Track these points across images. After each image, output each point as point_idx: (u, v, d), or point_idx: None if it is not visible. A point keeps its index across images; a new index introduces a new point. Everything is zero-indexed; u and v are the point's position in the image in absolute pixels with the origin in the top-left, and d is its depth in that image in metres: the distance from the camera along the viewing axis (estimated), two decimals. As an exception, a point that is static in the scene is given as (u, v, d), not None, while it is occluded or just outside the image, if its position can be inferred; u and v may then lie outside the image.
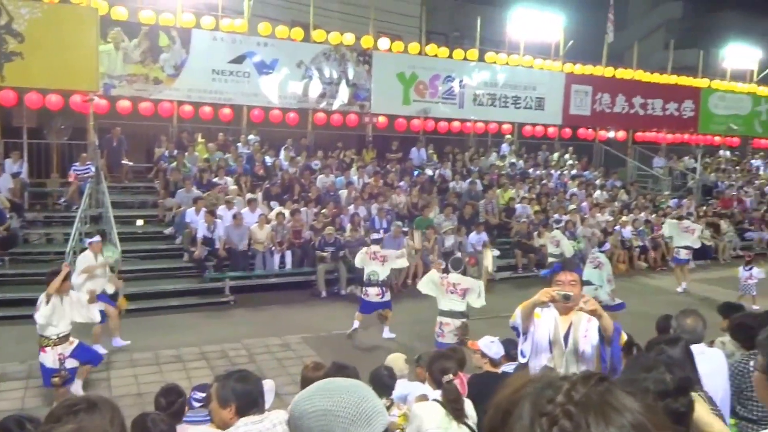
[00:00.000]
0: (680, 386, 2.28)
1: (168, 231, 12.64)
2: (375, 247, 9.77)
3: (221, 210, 12.29)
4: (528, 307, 3.87)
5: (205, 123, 15.52)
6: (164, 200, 13.06)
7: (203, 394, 4.09)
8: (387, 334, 9.56)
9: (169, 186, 13.29)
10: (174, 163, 13.65)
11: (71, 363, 6.80)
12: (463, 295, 7.95)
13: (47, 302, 6.66)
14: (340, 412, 1.40)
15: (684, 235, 13.74)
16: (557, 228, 13.85)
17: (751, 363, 3.31)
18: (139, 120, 14.55)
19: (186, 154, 14.17)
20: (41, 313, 6.62)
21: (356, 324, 9.30)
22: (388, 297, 9.52)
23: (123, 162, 14.15)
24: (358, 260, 9.76)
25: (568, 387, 0.89)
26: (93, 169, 12.67)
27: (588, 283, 9.59)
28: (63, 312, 6.78)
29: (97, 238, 8.90)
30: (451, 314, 7.90)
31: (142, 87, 14.30)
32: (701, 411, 2.48)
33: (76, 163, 12.88)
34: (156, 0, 14.68)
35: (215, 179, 13.61)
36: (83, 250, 8.99)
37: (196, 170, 13.79)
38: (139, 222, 12.96)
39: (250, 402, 2.83)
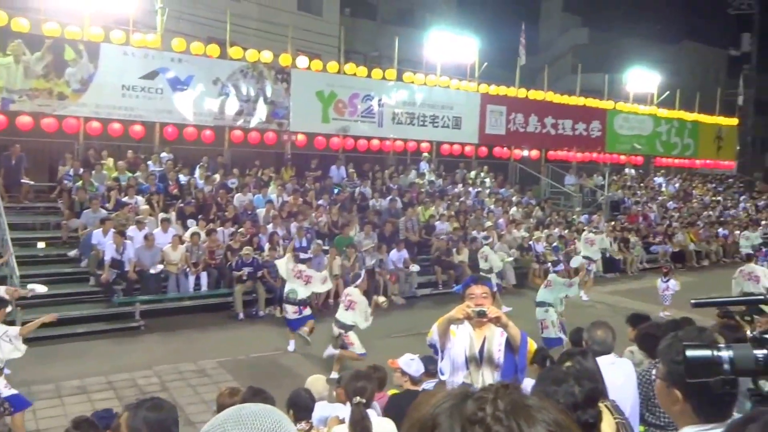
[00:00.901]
0: (588, 398, 2.30)
1: (72, 253, 11.94)
2: (302, 266, 9.70)
3: (131, 231, 11.77)
4: (443, 324, 3.84)
5: (115, 140, 14.87)
6: (68, 221, 12.33)
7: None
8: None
9: (74, 206, 12.59)
10: (80, 182, 12.95)
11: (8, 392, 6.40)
12: (348, 307, 8.57)
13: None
14: None
15: (585, 246, 14.52)
16: (486, 244, 14.13)
17: (653, 371, 3.42)
18: (41, 137, 13.77)
19: (93, 172, 13.50)
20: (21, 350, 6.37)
21: (291, 345, 9.66)
22: (307, 312, 9.55)
23: (23, 181, 13.29)
24: (282, 268, 9.81)
25: (493, 396, 0.92)
26: (-12, 188, 11.84)
27: (541, 304, 9.50)
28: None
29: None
30: (336, 322, 8.65)
31: (45, 102, 13.55)
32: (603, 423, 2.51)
33: (-31, 183, 12.01)
34: (61, 12, 13.97)
35: (125, 198, 13.01)
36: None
37: (104, 189, 13.16)
38: (41, 244, 12.18)
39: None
